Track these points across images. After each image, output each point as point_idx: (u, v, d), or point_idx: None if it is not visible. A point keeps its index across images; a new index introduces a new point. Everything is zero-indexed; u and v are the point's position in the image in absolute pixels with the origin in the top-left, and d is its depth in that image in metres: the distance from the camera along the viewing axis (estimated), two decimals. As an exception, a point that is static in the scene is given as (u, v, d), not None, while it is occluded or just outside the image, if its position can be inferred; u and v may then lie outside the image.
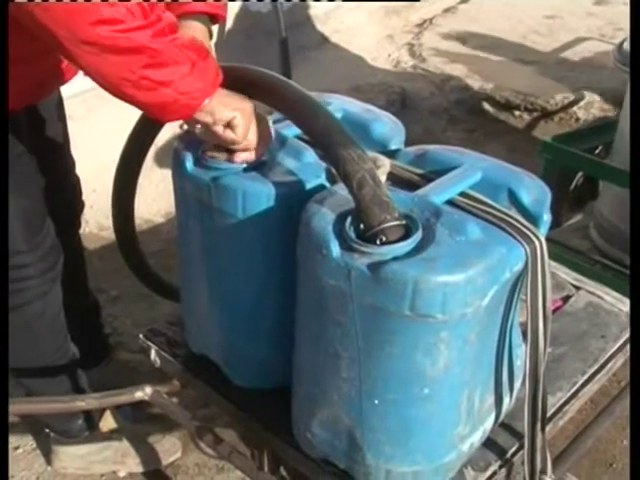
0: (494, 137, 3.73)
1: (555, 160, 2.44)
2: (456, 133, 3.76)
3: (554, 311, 1.64)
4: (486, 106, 4.00)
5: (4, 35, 1.15)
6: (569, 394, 1.43)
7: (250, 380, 1.40)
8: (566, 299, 1.68)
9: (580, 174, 2.72)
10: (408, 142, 1.37)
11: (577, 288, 1.72)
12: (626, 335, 1.58)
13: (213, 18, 1.36)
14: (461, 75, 4.19)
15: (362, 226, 1.06)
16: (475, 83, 4.11)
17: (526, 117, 3.93)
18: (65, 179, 1.81)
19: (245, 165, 1.23)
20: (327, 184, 1.22)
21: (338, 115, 1.36)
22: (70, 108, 1.78)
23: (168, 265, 2.44)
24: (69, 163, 1.84)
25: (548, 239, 2.52)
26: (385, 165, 1.22)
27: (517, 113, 3.95)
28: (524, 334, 1.19)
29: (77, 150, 1.86)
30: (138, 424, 2.04)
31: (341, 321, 1.08)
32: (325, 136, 1.12)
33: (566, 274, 1.77)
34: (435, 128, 3.79)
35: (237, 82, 1.22)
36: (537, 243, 1.11)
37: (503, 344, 1.21)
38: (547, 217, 1.20)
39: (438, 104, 3.98)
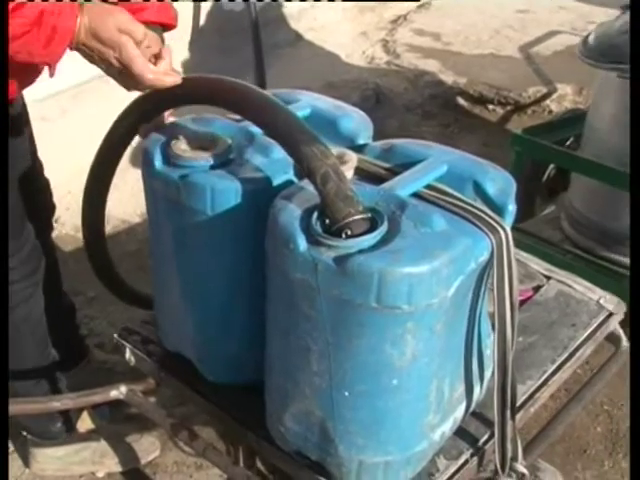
0: (468, 131, 3.76)
1: (525, 152, 2.46)
2: (430, 128, 3.78)
3: (525, 301, 1.65)
4: (460, 100, 4.03)
5: (4, 35, 1.16)
6: (539, 382, 1.44)
7: (224, 376, 1.40)
8: (537, 289, 1.69)
9: (552, 166, 2.76)
10: (383, 137, 1.38)
11: (548, 278, 1.73)
12: (595, 323, 1.60)
13: (164, 26, 1.38)
14: (435, 70, 4.22)
15: (328, 221, 1.07)
16: (449, 78, 4.14)
17: (499, 111, 3.97)
18: (36, 182, 1.81)
19: (212, 162, 1.24)
20: (295, 180, 1.22)
21: (307, 112, 1.37)
22: (44, 109, 1.78)
23: (145, 265, 2.44)
24: (38, 165, 1.84)
25: (521, 230, 2.57)
26: (352, 160, 1.22)
27: (491, 107, 3.98)
28: (493, 324, 1.21)
29: (52, 151, 1.86)
30: (116, 424, 2.05)
31: (310, 315, 1.08)
32: (287, 135, 1.13)
33: (538, 264, 1.78)
34: (409, 123, 3.82)
35: (195, 92, 1.26)
36: (502, 233, 1.12)
37: (472, 334, 1.22)
38: (512, 207, 1.20)
39: (412, 99, 4.01)
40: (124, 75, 1.24)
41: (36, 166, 1.82)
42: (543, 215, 2.79)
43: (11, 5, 1.14)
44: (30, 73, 1.50)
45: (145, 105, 1.35)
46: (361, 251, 1.03)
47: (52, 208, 1.93)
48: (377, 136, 1.38)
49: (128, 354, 1.53)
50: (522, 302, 1.64)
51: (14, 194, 1.62)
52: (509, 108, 3.96)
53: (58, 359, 1.91)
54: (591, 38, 2.41)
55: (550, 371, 1.47)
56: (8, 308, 1.62)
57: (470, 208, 1.13)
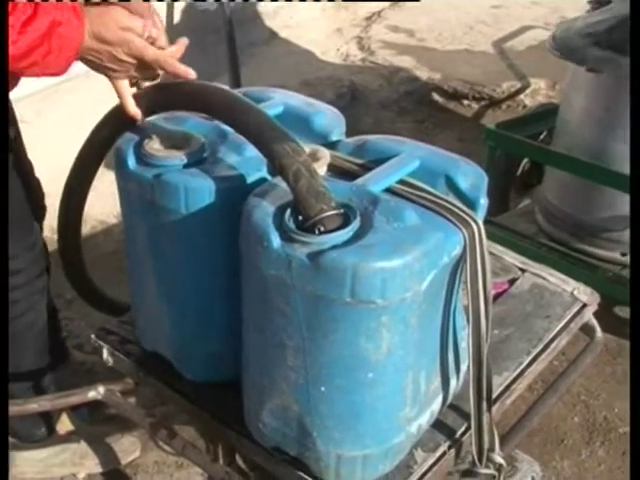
0: (443, 127, 3.78)
1: (499, 147, 2.48)
2: (406, 124, 3.80)
3: (501, 294, 1.66)
4: (435, 96, 4.05)
5: (4, 35, 1.16)
6: (515, 374, 1.45)
7: (202, 374, 1.39)
8: (512, 282, 1.70)
9: (526, 160, 2.78)
10: (358, 134, 1.38)
11: (523, 271, 1.74)
12: (570, 314, 1.61)
13: None
14: (410, 66, 4.24)
15: (301, 217, 1.07)
16: (423, 74, 4.16)
17: (474, 106, 3.99)
18: (30, 181, 1.81)
19: (185, 161, 1.25)
20: (268, 177, 1.23)
21: (279, 109, 1.37)
22: (19, 111, 1.77)
23: (123, 266, 2.42)
24: (29, 165, 1.83)
25: (496, 224, 2.58)
26: (325, 156, 1.23)
27: (465, 102, 4.01)
28: (468, 317, 1.21)
29: (29, 153, 1.85)
30: (95, 425, 2.04)
31: (285, 311, 1.09)
32: (258, 134, 1.14)
33: (513, 257, 1.79)
34: (385, 120, 3.83)
35: (164, 98, 1.29)
36: (475, 227, 1.13)
37: (447, 327, 1.23)
38: (484, 201, 1.21)
39: (387, 96, 4.03)
40: (141, 68, 1.26)
41: (27, 165, 1.82)
42: (518, 209, 2.81)
43: (22, 18, 1.15)
44: (16, 75, 1.50)
45: (114, 118, 1.37)
46: (334, 247, 1.03)
47: (44, 208, 1.93)
48: (352, 133, 1.39)
49: (106, 354, 1.52)
50: (498, 295, 1.65)
51: (19, 192, 1.61)
52: (483, 103, 3.99)
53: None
54: (559, 32, 2.44)
55: (526, 363, 1.48)
56: (8, 308, 1.61)
57: (442, 202, 1.14)
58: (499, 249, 1.80)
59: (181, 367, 1.42)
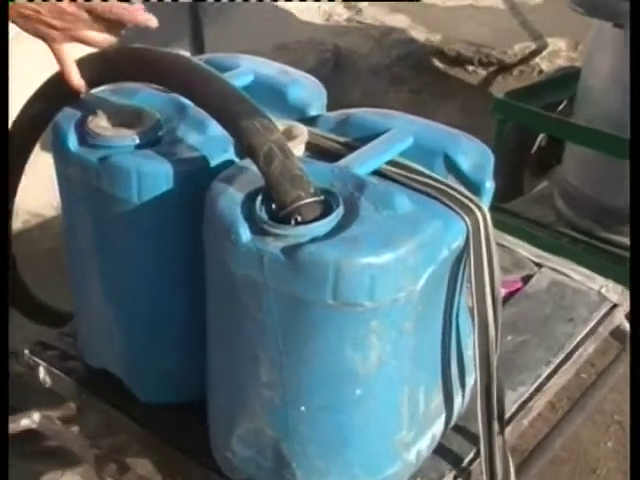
0: (445, 97, 3.79)
1: (510, 120, 2.49)
2: (400, 95, 3.81)
3: (513, 293, 1.68)
4: (434, 62, 4.06)
5: (4, 35, 1.18)
6: (533, 388, 1.46)
7: (158, 395, 1.39)
8: (527, 279, 1.72)
9: (542, 135, 2.79)
10: (343, 108, 1.39)
11: (539, 266, 1.75)
12: (597, 317, 1.62)
13: None
14: (404, 26, 4.24)
15: (274, 206, 1.08)
16: (420, 35, 4.17)
17: (481, 72, 4.00)
18: None
19: (137, 141, 1.24)
20: (235, 159, 1.23)
21: (248, 79, 1.38)
22: None
23: (63, 266, 2.42)
24: None
25: (507, 211, 2.60)
26: (302, 134, 1.24)
27: (470, 68, 4.02)
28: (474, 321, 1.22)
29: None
30: (29, 461, 2.03)
31: (257, 317, 1.09)
32: (223, 108, 1.14)
33: (527, 250, 1.81)
34: (375, 90, 3.83)
35: (111, 67, 1.28)
36: (479, 214, 1.14)
37: (449, 333, 1.24)
38: (490, 184, 1.22)
39: (378, 62, 4.03)
40: (90, 23, 1.22)
41: None
42: (533, 192, 2.82)
43: None
44: None
45: (53, 89, 1.35)
46: (314, 239, 1.04)
47: None
48: (336, 106, 1.39)
49: (42, 374, 1.51)
50: (509, 295, 1.66)
51: None
52: (492, 69, 4.00)
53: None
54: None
55: (545, 375, 1.49)
56: (8, 308, 1.61)
57: (440, 186, 1.15)
58: (510, 240, 1.81)
59: (133, 387, 1.41)
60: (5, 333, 1.51)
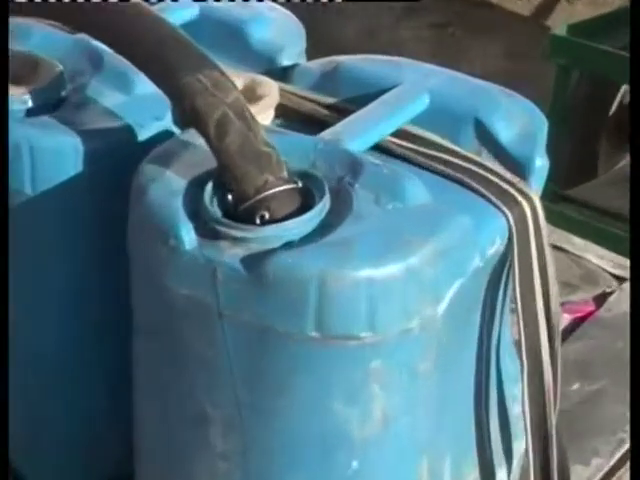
0: (481, 33, 3.80)
1: (575, 66, 2.51)
2: (416, 31, 3.82)
3: (582, 320, 1.70)
4: (467, -20, 4.09)
5: (4, 35, 1.23)
6: (613, 460, 1.48)
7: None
8: (602, 300, 1.75)
9: (623, 88, 2.80)
10: (334, 53, 1.40)
11: (620, 280, 1.78)
12: None
13: None
14: None
15: (230, 197, 1.08)
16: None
17: (533, -3, 4.03)
18: None
19: (30, 104, 1.25)
20: (173, 130, 1.24)
21: (192, 14, 1.41)
22: None
23: None
24: None
25: (572, 200, 2.61)
26: (271, 93, 1.25)
27: (519, -10, 4.06)
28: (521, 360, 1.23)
29: None
30: None
31: (206, 357, 1.09)
32: (154, 55, 1.13)
33: (602, 258, 1.84)
34: (380, 25, 3.84)
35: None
36: (526, 206, 1.15)
37: (485, 379, 1.25)
38: (542, 161, 1.24)
39: (384, -20, 4.05)
40: None
41: None
42: (611, 173, 2.82)
43: None
44: None
45: None
46: (288, 245, 1.05)
47: None
48: (322, 51, 1.40)
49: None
50: (576, 322, 1.69)
51: None
52: (551, -9, 4.03)
53: None
54: None
55: (630, 440, 1.52)
56: (8, 308, 1.66)
57: (469, 166, 1.17)
58: (577, 244, 1.83)
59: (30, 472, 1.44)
60: (5, 333, 1.56)
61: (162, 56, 1.13)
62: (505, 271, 1.20)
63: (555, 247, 1.20)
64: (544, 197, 1.19)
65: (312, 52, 1.40)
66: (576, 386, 1.54)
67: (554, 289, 1.19)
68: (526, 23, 3.87)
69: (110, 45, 1.22)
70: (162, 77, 1.13)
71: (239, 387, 1.10)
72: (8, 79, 1.28)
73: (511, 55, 3.57)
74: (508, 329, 1.29)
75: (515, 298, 1.18)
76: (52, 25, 1.37)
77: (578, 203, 2.54)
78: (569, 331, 1.52)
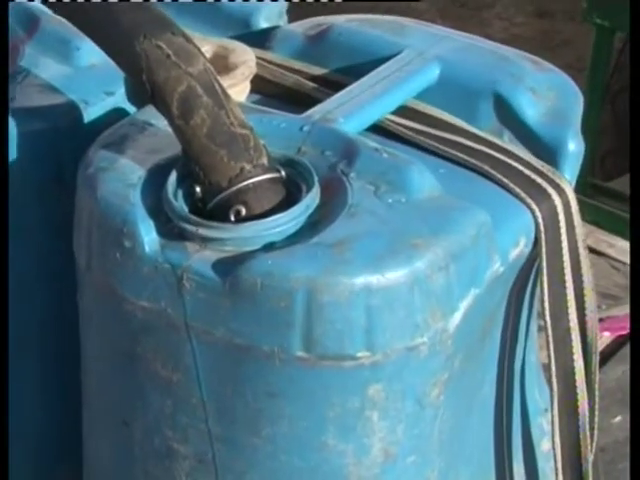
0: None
1: (617, 28, 2.48)
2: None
3: (622, 337, 1.69)
4: None
5: (4, 36, 1.26)
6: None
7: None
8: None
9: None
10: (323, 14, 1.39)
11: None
12: None
13: None
14: None
15: (199, 189, 1.08)
16: None
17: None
18: None
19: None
20: (127, 108, 1.24)
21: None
22: None
23: None
24: None
25: (612, 194, 2.60)
26: (246, 62, 1.25)
27: None
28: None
29: None
30: None
31: (171, 382, 1.09)
32: (103, 16, 1.12)
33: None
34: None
35: None
36: (557, 200, 1.15)
37: (508, 408, 1.25)
38: (576, 146, 1.22)
39: None
40: None
41: None
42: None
43: None
44: None
45: None
46: (269, 247, 1.04)
47: None
48: (307, 11, 1.39)
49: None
50: (619, 341, 1.67)
51: None
52: None
53: None
54: None
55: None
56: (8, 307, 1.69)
57: (488, 151, 1.16)
58: (620, 246, 1.81)
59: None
60: (5, 333, 1.56)
61: (113, 18, 1.11)
62: (531, 278, 1.17)
63: (592, 250, 1.16)
64: (578, 189, 1.14)
65: (296, 13, 1.42)
66: (618, 419, 1.51)
67: (591, 301, 1.18)
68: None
69: (49, 5, 1.21)
70: (113, 43, 1.12)
71: (211, 418, 1.09)
72: (8, 78, 1.30)
73: (540, 14, 3.53)
74: (535, 350, 1.25)
75: (543, 312, 1.16)
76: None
77: (620, 197, 2.50)
78: (610, 353, 1.46)
